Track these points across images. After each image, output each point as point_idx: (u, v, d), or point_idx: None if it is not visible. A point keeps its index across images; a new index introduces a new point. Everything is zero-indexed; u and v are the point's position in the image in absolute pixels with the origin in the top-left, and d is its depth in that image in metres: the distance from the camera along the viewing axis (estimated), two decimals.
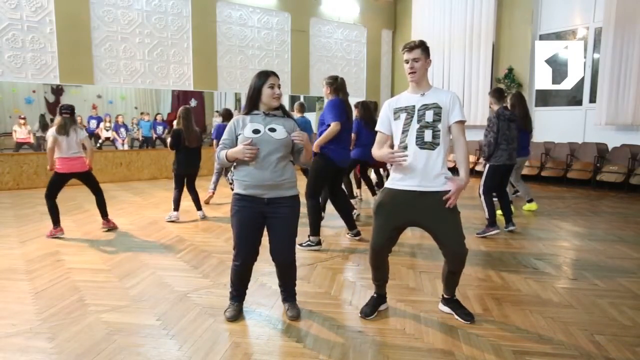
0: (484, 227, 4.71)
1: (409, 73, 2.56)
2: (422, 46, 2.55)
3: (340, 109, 4.12)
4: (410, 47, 2.55)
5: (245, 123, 2.57)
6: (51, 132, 4.58)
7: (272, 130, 2.54)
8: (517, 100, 5.52)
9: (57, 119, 4.66)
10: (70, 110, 4.67)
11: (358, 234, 4.55)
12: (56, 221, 4.66)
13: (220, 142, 2.64)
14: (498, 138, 4.61)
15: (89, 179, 4.83)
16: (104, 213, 4.95)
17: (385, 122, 2.65)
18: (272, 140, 2.52)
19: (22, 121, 7.92)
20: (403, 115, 2.55)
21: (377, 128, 2.70)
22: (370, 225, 5.11)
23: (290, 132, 2.59)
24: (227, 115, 6.59)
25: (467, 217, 5.54)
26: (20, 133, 7.96)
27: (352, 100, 5.95)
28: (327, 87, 4.25)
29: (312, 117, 9.75)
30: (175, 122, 5.50)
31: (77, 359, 2.26)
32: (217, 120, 8.87)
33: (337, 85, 4.21)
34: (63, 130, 4.56)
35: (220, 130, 6.09)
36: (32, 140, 8.08)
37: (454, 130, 2.53)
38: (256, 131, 2.52)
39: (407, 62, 2.56)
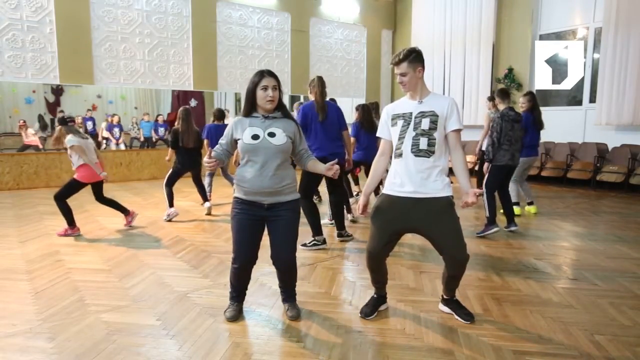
0: (483, 227, 4.71)
1: (401, 86, 2.55)
2: (408, 58, 2.46)
3: (300, 116, 4.14)
4: (396, 62, 2.49)
5: (245, 127, 2.52)
6: (76, 142, 4.54)
7: (272, 135, 2.50)
8: (535, 100, 5.54)
9: (63, 129, 4.61)
10: (73, 119, 4.80)
11: (342, 235, 4.50)
12: (71, 221, 4.67)
13: (219, 142, 2.63)
14: (501, 139, 4.61)
15: (99, 188, 4.87)
16: (123, 211, 5.01)
17: (385, 128, 2.65)
18: (271, 147, 2.48)
19: (21, 123, 7.87)
20: (400, 122, 2.54)
21: (378, 134, 2.70)
22: (367, 227, 5.14)
23: (290, 135, 2.56)
24: (219, 115, 6.29)
25: (467, 217, 5.55)
26: (25, 136, 7.92)
27: (352, 102, 5.95)
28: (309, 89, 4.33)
29: None
30: (176, 122, 5.53)
31: (77, 359, 2.26)
32: None
33: (313, 84, 4.23)
34: (81, 134, 4.65)
35: (210, 130, 5.94)
36: (38, 143, 8.05)
37: (451, 139, 2.53)
38: (255, 137, 2.49)
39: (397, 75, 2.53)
